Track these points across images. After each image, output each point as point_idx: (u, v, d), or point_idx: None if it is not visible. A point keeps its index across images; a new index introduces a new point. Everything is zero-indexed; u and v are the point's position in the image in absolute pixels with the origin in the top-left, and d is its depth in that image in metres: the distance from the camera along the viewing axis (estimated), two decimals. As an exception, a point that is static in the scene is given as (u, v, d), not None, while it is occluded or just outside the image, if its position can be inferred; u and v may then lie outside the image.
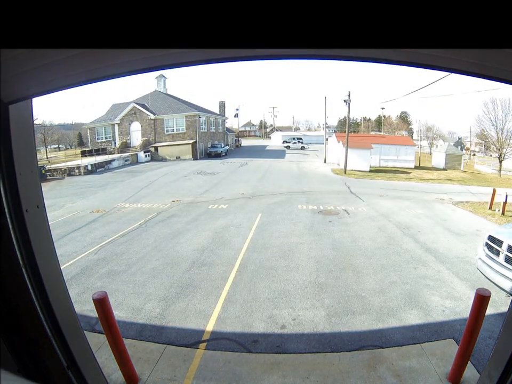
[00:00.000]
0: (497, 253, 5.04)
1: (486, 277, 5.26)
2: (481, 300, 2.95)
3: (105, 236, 8.58)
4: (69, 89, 1.57)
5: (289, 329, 4.21)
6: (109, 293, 5.27)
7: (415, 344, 3.91)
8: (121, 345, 3.17)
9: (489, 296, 2.97)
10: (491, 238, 5.30)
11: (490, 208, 12.47)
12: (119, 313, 4.67)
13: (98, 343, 3.84)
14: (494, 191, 12.83)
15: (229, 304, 4.85)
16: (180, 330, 4.22)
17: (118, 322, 4.43)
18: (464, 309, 4.78)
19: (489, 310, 3.53)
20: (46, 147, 44.33)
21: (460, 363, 3.20)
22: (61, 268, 6.35)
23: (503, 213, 11.62)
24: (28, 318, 1.60)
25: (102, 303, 2.92)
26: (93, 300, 2.94)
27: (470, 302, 5.01)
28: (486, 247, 5.39)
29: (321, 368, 3.47)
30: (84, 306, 4.80)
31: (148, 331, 4.25)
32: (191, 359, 3.63)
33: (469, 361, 3.29)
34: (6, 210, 1.46)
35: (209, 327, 4.26)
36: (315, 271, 6.07)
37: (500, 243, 5.03)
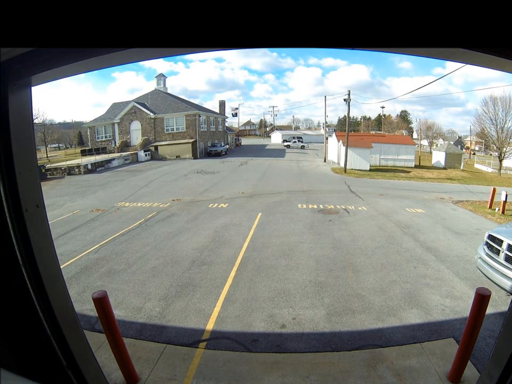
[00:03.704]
0: (497, 252, 5.04)
1: (486, 276, 5.26)
2: (482, 299, 2.95)
3: (105, 235, 8.57)
4: (71, 74, 1.58)
5: (289, 329, 4.21)
6: (109, 292, 5.27)
7: (415, 343, 3.92)
8: (121, 344, 3.17)
9: (490, 295, 2.96)
10: (491, 237, 5.29)
11: (490, 207, 12.48)
12: (119, 313, 4.66)
13: (98, 342, 3.83)
14: (494, 190, 12.83)
15: (229, 303, 4.85)
16: (179, 330, 4.22)
17: (118, 322, 4.43)
18: (464, 308, 4.78)
19: (489, 309, 3.53)
20: (46, 146, 44.26)
21: (460, 362, 3.20)
22: (61, 267, 6.37)
23: (503, 212, 11.64)
24: (27, 318, 1.60)
25: (101, 302, 2.92)
26: (93, 299, 2.93)
27: (470, 301, 5.01)
28: (486, 246, 5.39)
29: (321, 367, 3.47)
30: (84, 306, 4.80)
31: (148, 330, 4.25)
32: (191, 359, 3.62)
33: (469, 361, 3.29)
34: (6, 209, 1.45)
35: (209, 326, 4.26)
36: (315, 270, 6.07)
37: (500, 242, 5.02)
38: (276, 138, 60.42)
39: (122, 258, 6.86)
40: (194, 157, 32.76)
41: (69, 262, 6.68)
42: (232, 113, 65.42)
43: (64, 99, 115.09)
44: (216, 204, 12.28)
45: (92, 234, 8.72)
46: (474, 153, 48.87)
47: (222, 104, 46.77)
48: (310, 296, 5.05)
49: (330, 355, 3.70)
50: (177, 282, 5.62)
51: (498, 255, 4.99)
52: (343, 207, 11.82)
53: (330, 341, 3.95)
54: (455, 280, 5.73)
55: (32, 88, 1.57)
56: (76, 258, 6.94)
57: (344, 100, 24.31)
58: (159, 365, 3.56)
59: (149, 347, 3.91)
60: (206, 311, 4.65)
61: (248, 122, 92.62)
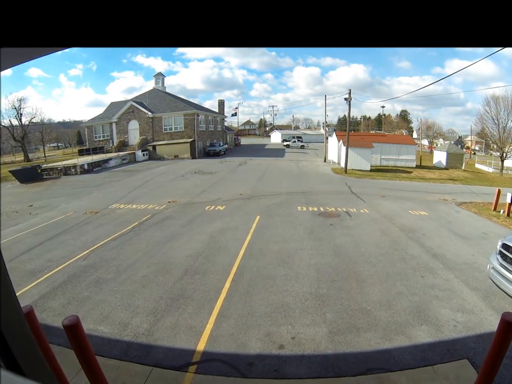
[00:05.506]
0: (512, 262, 4.69)
1: (499, 287, 4.94)
2: (508, 326, 2.58)
3: (96, 240, 8.21)
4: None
5: (288, 350, 3.83)
6: (94, 305, 4.95)
7: (426, 366, 3.56)
8: (99, 374, 2.80)
9: (517, 322, 2.60)
10: (505, 246, 4.95)
11: (495, 209, 12.13)
12: (104, 329, 4.31)
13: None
14: (499, 191, 12.46)
15: (223, 320, 4.46)
16: (168, 350, 3.86)
17: (102, 340, 4.09)
18: (476, 324, 4.43)
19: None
20: (43, 145, 43.95)
21: (479, 393, 2.84)
22: (49, 274, 5.85)
23: (508, 215, 11.28)
24: None
25: (74, 330, 2.54)
26: (63, 326, 2.56)
27: (483, 314, 4.68)
28: (499, 255, 5.04)
29: (323, 397, 3.12)
30: (67, 321, 4.43)
31: (134, 350, 3.88)
32: (180, 385, 3.27)
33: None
34: None
35: (200, 347, 3.89)
36: (316, 280, 5.69)
37: (515, 252, 4.67)
38: (276, 138, 59.93)
39: (112, 265, 6.49)
40: (193, 156, 32.32)
41: (56, 270, 6.33)
42: (232, 113, 65.04)
43: (63, 98, 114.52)
44: (213, 206, 11.91)
45: (83, 239, 8.36)
46: (474, 153, 48.53)
47: (221, 104, 46.26)
48: (310, 312, 4.66)
49: (334, 381, 3.34)
50: (168, 294, 5.24)
51: (514, 266, 4.64)
52: (345, 210, 11.45)
53: (333, 364, 3.57)
54: (465, 291, 5.37)
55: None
56: (64, 265, 6.59)
57: (345, 98, 23.87)
58: (144, 393, 3.21)
59: (134, 370, 3.56)
60: (198, 328, 4.27)
61: (248, 122, 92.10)
